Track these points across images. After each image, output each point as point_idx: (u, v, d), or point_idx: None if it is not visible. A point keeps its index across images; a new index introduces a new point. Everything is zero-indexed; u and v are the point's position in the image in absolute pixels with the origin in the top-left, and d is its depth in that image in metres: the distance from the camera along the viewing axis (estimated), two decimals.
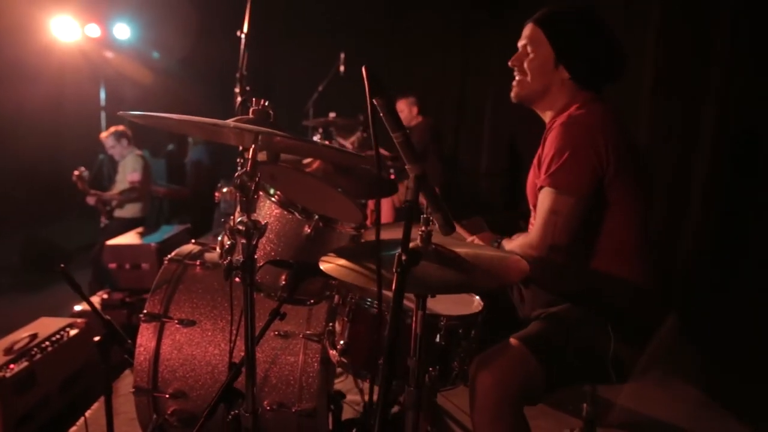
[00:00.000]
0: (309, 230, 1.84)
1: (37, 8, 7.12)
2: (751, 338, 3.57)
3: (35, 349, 3.14)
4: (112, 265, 4.46)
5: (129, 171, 5.58)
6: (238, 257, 1.52)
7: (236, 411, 1.63)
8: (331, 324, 2.00)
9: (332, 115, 5.72)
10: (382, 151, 4.66)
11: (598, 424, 2.40)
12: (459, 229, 2.31)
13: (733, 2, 3.82)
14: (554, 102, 2.06)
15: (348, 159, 2.32)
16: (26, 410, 2.99)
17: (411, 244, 1.24)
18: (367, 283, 1.38)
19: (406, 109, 5.97)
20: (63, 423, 3.10)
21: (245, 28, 2.98)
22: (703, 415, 3.32)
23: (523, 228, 2.25)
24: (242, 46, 3.00)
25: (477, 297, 2.02)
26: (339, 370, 3.35)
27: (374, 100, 1.22)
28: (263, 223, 1.48)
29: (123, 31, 8.27)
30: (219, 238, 1.97)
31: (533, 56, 2.05)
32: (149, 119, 1.48)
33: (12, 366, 2.93)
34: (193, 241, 2.62)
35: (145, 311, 2.26)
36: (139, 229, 5.14)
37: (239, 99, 2.99)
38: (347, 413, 2.93)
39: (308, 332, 2.21)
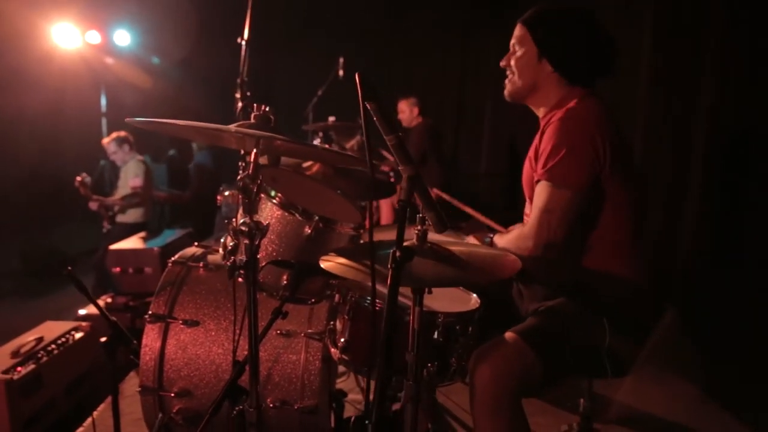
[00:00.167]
0: (309, 231, 1.89)
1: (39, 15, 7.19)
2: (749, 336, 3.62)
3: (41, 352, 3.19)
4: (116, 269, 4.51)
5: (131, 176, 5.64)
6: (241, 257, 1.57)
7: (240, 407, 1.68)
8: (332, 322, 2.05)
9: (332, 119, 5.78)
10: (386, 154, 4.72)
11: (595, 420, 2.45)
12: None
13: (724, 6, 3.87)
14: (545, 97, 2.11)
15: (347, 161, 2.37)
16: (33, 413, 3.03)
17: (407, 243, 1.29)
18: (365, 279, 1.43)
19: (407, 110, 6.02)
20: (68, 426, 3.14)
21: (246, 35, 3.03)
22: (701, 412, 3.35)
23: None
24: (243, 53, 3.05)
25: (474, 295, 2.07)
26: (341, 370, 3.41)
27: (367, 105, 1.27)
28: (265, 224, 1.53)
29: (123, 37, 8.34)
30: (222, 240, 2.02)
31: (519, 54, 2.11)
32: (155, 125, 1.53)
33: (19, 369, 2.97)
34: (196, 243, 2.68)
35: (150, 312, 2.31)
36: (142, 234, 5.19)
37: (240, 104, 3.04)
38: (349, 412, 2.97)
39: (310, 331, 2.26)
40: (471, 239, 2.28)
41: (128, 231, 5.40)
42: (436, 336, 1.83)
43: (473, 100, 7.77)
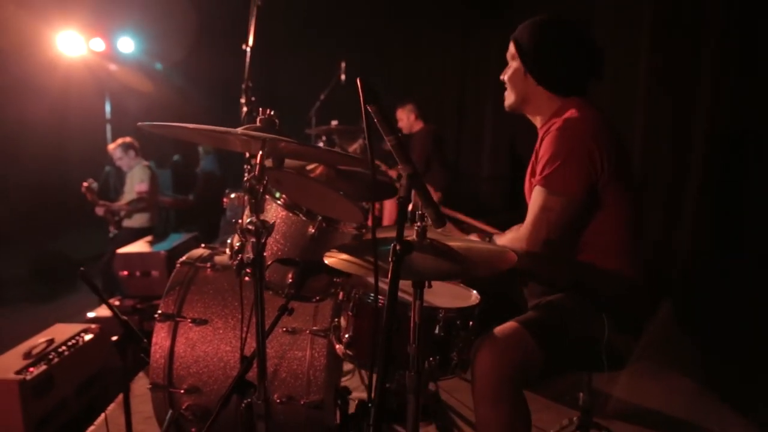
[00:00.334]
0: (313, 230, 1.96)
1: (43, 24, 7.27)
2: (748, 333, 3.66)
3: (52, 353, 3.25)
4: (123, 273, 4.58)
5: (137, 182, 5.71)
6: (249, 255, 1.63)
7: (249, 400, 1.74)
8: (336, 319, 2.12)
9: (334, 122, 5.84)
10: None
11: (595, 414, 2.50)
12: (454, 230, 2.43)
13: (722, 7, 3.93)
14: (539, 109, 2.19)
15: (349, 162, 2.44)
16: (45, 413, 3.10)
17: (407, 238, 1.35)
18: (368, 274, 1.49)
19: (404, 118, 6.07)
20: (79, 427, 3.20)
21: (250, 42, 3.10)
22: (699, 406, 3.40)
23: None
24: (247, 59, 3.12)
25: (474, 291, 2.14)
26: (346, 368, 3.47)
27: (368, 108, 1.34)
28: (271, 222, 1.60)
29: (127, 44, 8.42)
30: (228, 241, 2.09)
31: (511, 69, 2.20)
32: (165, 128, 1.60)
33: (31, 369, 3.04)
34: (203, 245, 2.74)
35: (159, 311, 2.38)
36: (148, 238, 5.26)
37: (245, 109, 3.11)
38: (353, 409, 3.03)
39: (315, 328, 2.33)
40: (473, 237, 2.35)
41: (134, 235, 5.47)
42: (437, 331, 1.88)
43: (474, 103, 7.84)
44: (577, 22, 2.14)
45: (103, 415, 3.15)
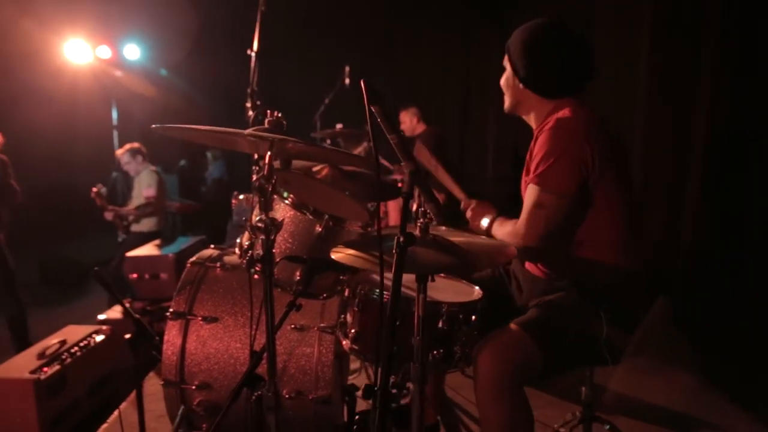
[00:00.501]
0: (320, 229, 2.02)
1: (51, 32, 7.37)
2: (749, 330, 3.70)
3: (65, 353, 3.33)
4: (133, 276, 4.65)
5: (144, 186, 5.79)
6: (258, 252, 1.70)
7: (259, 392, 1.79)
8: (342, 316, 2.17)
9: (339, 126, 5.90)
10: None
11: (597, 409, 2.55)
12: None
13: (722, 7, 3.98)
14: (532, 111, 2.25)
15: (355, 162, 2.50)
16: (58, 413, 3.17)
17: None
18: (373, 267, 1.56)
19: (407, 120, 6.12)
20: (90, 427, 3.27)
21: (255, 47, 3.17)
22: (701, 402, 3.45)
23: None
24: (253, 64, 3.19)
25: (476, 287, 2.19)
26: (353, 367, 3.53)
27: (372, 108, 1.40)
28: (280, 220, 1.66)
29: (133, 51, 8.51)
30: (238, 240, 2.16)
31: (504, 75, 2.28)
32: (177, 131, 1.67)
33: (45, 369, 3.12)
34: (212, 246, 2.81)
35: (171, 310, 2.44)
36: (157, 242, 5.34)
37: (251, 113, 3.18)
38: (361, 407, 3.08)
39: (322, 325, 2.39)
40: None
41: (143, 240, 5.55)
42: (440, 325, 1.94)
43: (477, 105, 7.90)
44: (565, 24, 2.18)
45: (116, 412, 3.22)
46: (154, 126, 1.62)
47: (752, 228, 3.83)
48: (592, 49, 2.20)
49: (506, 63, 2.26)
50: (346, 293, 2.17)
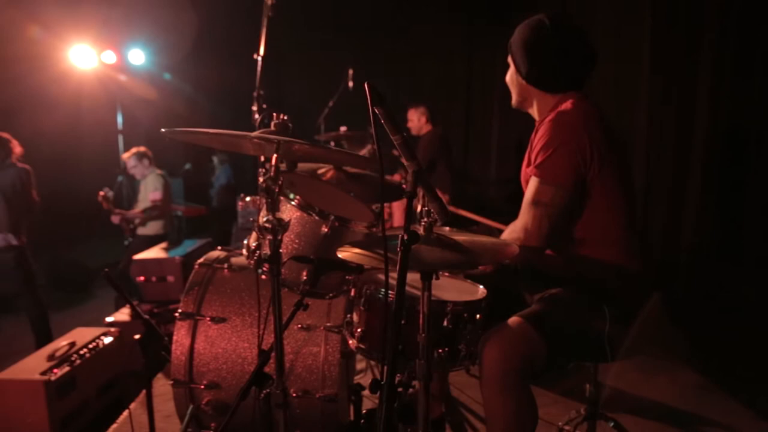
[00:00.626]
0: (326, 229, 2.06)
1: (57, 38, 7.43)
2: (751, 325, 3.73)
3: (75, 355, 3.37)
4: (140, 279, 4.69)
5: (150, 190, 5.83)
6: (266, 251, 1.73)
7: (268, 390, 1.83)
8: (348, 315, 2.21)
9: (343, 128, 5.93)
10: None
11: (601, 406, 2.57)
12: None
13: (722, 7, 4.01)
14: (537, 105, 2.29)
15: (359, 162, 2.53)
16: (68, 414, 3.21)
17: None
18: (379, 265, 1.59)
19: (415, 119, 6.16)
20: (100, 429, 3.31)
21: (261, 51, 3.20)
22: (705, 399, 3.47)
23: None
24: (258, 68, 3.22)
25: (481, 286, 2.22)
26: (359, 367, 3.56)
27: (375, 109, 1.44)
28: (286, 221, 1.70)
29: (137, 56, 8.56)
30: (245, 241, 2.20)
31: (509, 72, 2.32)
32: (188, 134, 1.71)
33: (55, 371, 3.16)
34: (219, 248, 2.85)
35: (180, 310, 2.48)
36: (164, 245, 5.38)
37: (257, 116, 3.21)
38: (367, 406, 3.12)
39: (328, 324, 2.43)
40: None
41: (149, 243, 5.60)
42: (445, 323, 1.97)
43: (481, 108, 7.94)
44: (563, 18, 2.21)
45: (126, 412, 3.26)
46: (163, 130, 1.66)
47: (754, 225, 3.85)
48: (590, 39, 2.22)
49: (509, 60, 2.29)
50: (352, 293, 2.20)
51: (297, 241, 2.07)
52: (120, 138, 8.72)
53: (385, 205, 5.56)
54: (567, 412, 2.95)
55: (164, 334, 2.38)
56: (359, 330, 2.09)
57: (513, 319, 2.06)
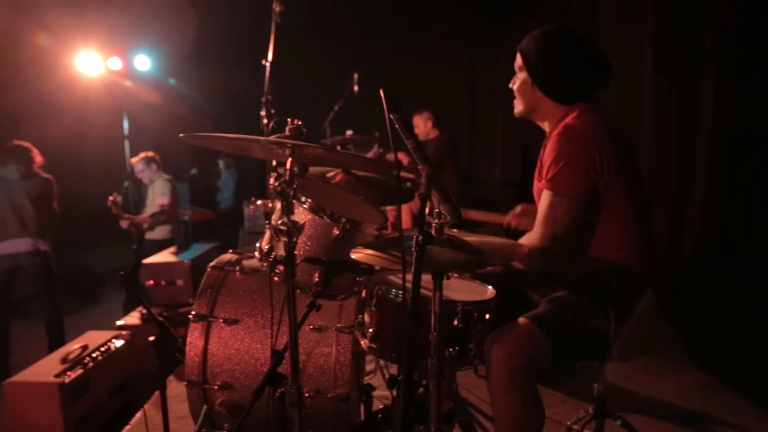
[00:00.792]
0: (338, 232, 2.10)
1: (63, 45, 7.50)
2: (756, 324, 3.75)
3: (87, 358, 3.41)
4: (149, 283, 4.74)
5: (159, 195, 5.88)
6: (281, 253, 1.77)
7: (282, 389, 1.87)
8: (360, 316, 2.24)
9: (349, 132, 5.96)
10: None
11: (609, 406, 2.60)
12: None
13: (723, 8, 4.04)
14: (546, 115, 2.31)
15: (371, 166, 2.57)
16: (81, 416, 3.26)
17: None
18: (392, 265, 1.63)
19: (421, 124, 6.18)
20: (112, 430, 3.35)
21: (270, 57, 3.25)
22: (711, 398, 3.49)
23: None
24: (267, 73, 3.27)
25: (490, 287, 2.26)
26: (368, 368, 3.60)
27: (391, 115, 1.48)
28: (301, 223, 1.74)
29: (143, 62, 8.62)
30: (257, 244, 2.24)
31: (518, 81, 2.32)
32: (203, 139, 1.75)
33: (69, 373, 3.20)
34: (230, 251, 2.89)
35: (193, 312, 2.52)
36: (172, 249, 5.43)
37: (265, 121, 3.26)
38: (377, 406, 3.15)
39: (340, 325, 2.46)
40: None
41: (156, 247, 5.64)
42: (455, 323, 2.01)
43: (485, 111, 7.99)
44: (582, 33, 2.26)
45: (141, 412, 3.30)
46: (182, 135, 1.70)
47: (758, 224, 3.88)
48: (606, 56, 2.26)
49: (519, 68, 2.31)
50: (363, 294, 2.24)
51: (309, 243, 2.11)
52: (126, 143, 8.77)
53: (392, 208, 5.59)
54: (575, 411, 2.97)
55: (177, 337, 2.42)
56: (371, 330, 2.13)
57: (520, 320, 2.10)
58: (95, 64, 7.56)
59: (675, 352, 4.02)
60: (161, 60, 8.88)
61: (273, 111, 3.33)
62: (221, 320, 2.49)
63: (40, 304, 4.63)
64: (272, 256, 1.84)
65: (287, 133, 1.80)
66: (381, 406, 3.10)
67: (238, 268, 2.67)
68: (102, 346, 3.60)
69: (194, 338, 2.49)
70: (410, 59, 8.51)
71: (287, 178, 1.71)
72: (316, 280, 2.14)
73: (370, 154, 5.73)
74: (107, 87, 8.24)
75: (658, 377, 3.73)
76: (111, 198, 5.43)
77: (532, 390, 2.04)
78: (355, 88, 6.20)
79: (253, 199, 2.75)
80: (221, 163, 9.11)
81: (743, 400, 3.43)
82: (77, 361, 3.34)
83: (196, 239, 7.80)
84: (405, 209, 5.67)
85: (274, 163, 2.23)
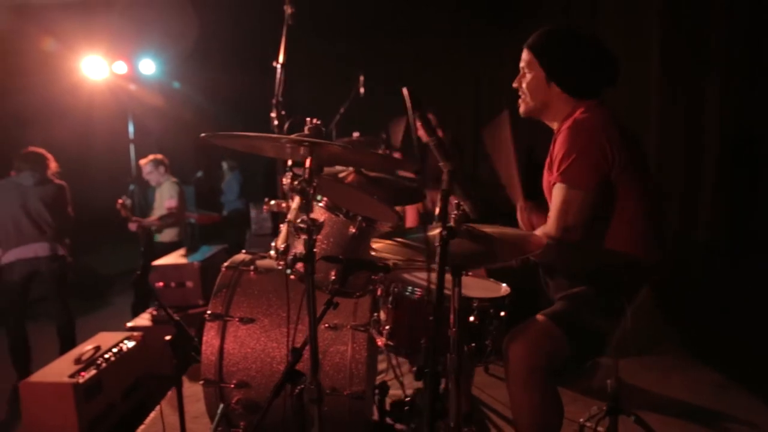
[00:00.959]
0: (354, 230, 2.12)
1: (69, 49, 7.54)
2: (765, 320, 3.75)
3: (100, 359, 3.43)
4: (159, 284, 4.75)
5: (166, 198, 5.90)
6: (299, 251, 1.79)
7: (302, 386, 1.88)
8: (375, 314, 2.27)
9: (356, 134, 5.98)
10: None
11: (622, 404, 2.61)
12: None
13: (729, 7, 4.05)
14: (557, 113, 2.32)
15: (392, 164, 2.59)
16: (95, 416, 3.28)
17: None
18: (414, 258, 1.66)
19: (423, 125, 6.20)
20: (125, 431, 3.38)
21: (281, 59, 3.28)
22: (725, 397, 3.50)
23: None
24: (278, 75, 3.29)
25: (504, 284, 2.28)
26: (381, 368, 3.61)
27: (415, 113, 1.51)
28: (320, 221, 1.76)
29: (148, 66, 8.66)
30: (272, 244, 2.26)
31: (529, 78, 2.32)
32: (225, 138, 1.78)
33: (83, 374, 3.22)
34: (243, 251, 2.91)
35: (208, 312, 2.54)
36: (182, 251, 5.45)
37: (276, 122, 3.28)
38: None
39: (355, 323, 2.48)
40: None
41: (164, 250, 5.66)
42: (472, 319, 2.03)
43: (488, 113, 7.99)
44: (590, 33, 2.30)
45: (155, 411, 3.32)
46: (203, 135, 1.72)
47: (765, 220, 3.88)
48: (613, 54, 2.28)
49: (529, 66, 2.31)
50: (379, 292, 2.27)
51: (326, 241, 2.13)
52: (131, 147, 8.81)
53: (399, 208, 5.60)
54: (586, 409, 2.99)
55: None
56: (387, 327, 2.16)
57: (537, 317, 2.12)
58: (100, 68, 7.61)
59: (685, 350, 4.03)
60: (166, 64, 8.92)
61: (284, 112, 3.35)
62: (237, 319, 2.51)
63: (52, 307, 4.66)
64: (290, 255, 1.85)
65: (306, 132, 1.82)
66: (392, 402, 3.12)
67: (252, 267, 2.68)
68: (114, 347, 3.62)
69: (210, 337, 2.51)
70: (413, 60, 8.53)
71: (307, 176, 1.73)
72: (333, 278, 2.16)
73: None
74: (112, 91, 8.28)
75: (668, 375, 3.74)
76: (120, 201, 5.46)
77: (551, 388, 2.06)
78: (361, 90, 6.21)
79: (266, 199, 2.78)
80: (225, 165, 9.12)
81: (755, 398, 3.44)
82: (90, 362, 3.36)
83: (201, 242, 7.83)
84: (411, 209, 5.68)
85: (289, 162, 2.25)
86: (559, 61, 2.26)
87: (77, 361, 3.34)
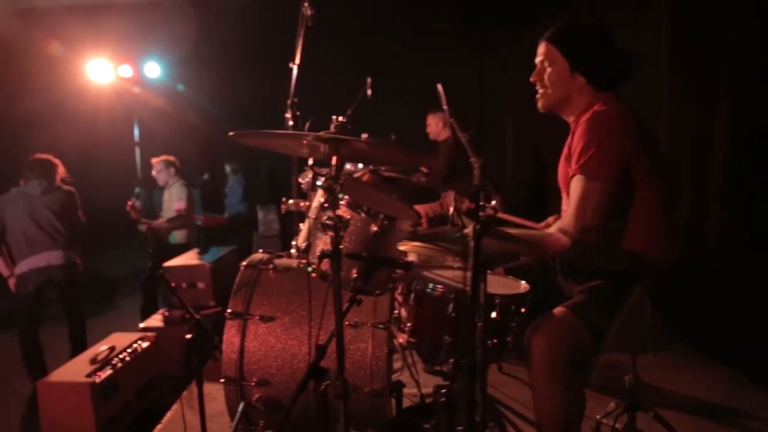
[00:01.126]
0: (376, 228, 2.13)
1: (75, 53, 7.57)
2: None
3: (116, 359, 3.45)
4: (171, 285, 4.76)
5: (175, 200, 5.92)
6: (323, 248, 1.80)
7: (327, 382, 1.90)
8: (396, 312, 2.28)
9: (364, 136, 5.98)
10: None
11: (640, 401, 2.62)
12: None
13: (737, 6, 4.07)
14: (577, 106, 2.35)
15: (419, 161, 2.60)
16: (111, 416, 3.29)
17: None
18: (444, 255, 1.67)
19: (434, 124, 6.20)
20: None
21: (297, 60, 3.30)
22: (736, 393, 3.51)
23: None
24: (294, 77, 3.32)
25: (523, 282, 2.30)
26: (396, 366, 3.62)
27: (448, 108, 1.53)
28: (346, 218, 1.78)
29: (153, 69, 8.69)
30: (293, 242, 2.28)
31: (551, 70, 2.35)
32: (253, 136, 1.80)
33: (99, 373, 3.24)
34: (261, 250, 2.92)
35: (229, 310, 2.56)
36: (193, 252, 5.47)
37: (291, 123, 3.31)
38: (406, 404, 3.18)
39: (375, 321, 2.49)
40: None
41: (173, 252, 5.67)
42: (494, 315, 2.05)
43: (495, 113, 8.02)
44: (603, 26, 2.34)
45: (174, 408, 3.34)
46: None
47: None
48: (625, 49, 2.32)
49: (550, 59, 2.34)
50: (400, 289, 2.28)
51: (348, 239, 2.14)
52: (137, 150, 8.84)
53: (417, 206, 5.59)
54: (602, 405, 3.00)
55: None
56: (408, 325, 2.17)
57: (558, 310, 2.14)
58: (106, 71, 7.65)
59: (696, 348, 4.04)
60: (171, 67, 8.95)
61: (299, 113, 3.38)
62: (257, 317, 2.52)
63: (64, 310, 4.66)
64: (315, 252, 1.87)
65: (332, 129, 1.84)
66: (409, 405, 3.14)
67: (270, 266, 2.70)
68: (128, 347, 3.63)
69: (231, 335, 2.52)
70: (419, 60, 8.55)
71: (333, 173, 1.75)
72: (354, 275, 2.17)
73: None
74: (118, 94, 8.31)
75: (682, 372, 3.75)
76: (130, 203, 5.48)
77: (576, 383, 2.07)
78: (369, 92, 6.21)
79: (284, 199, 2.80)
80: (228, 168, 9.14)
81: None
82: (106, 362, 3.38)
83: (212, 243, 7.85)
84: (420, 210, 5.69)
85: (310, 161, 2.28)
86: (584, 51, 2.30)
87: (93, 361, 3.36)
